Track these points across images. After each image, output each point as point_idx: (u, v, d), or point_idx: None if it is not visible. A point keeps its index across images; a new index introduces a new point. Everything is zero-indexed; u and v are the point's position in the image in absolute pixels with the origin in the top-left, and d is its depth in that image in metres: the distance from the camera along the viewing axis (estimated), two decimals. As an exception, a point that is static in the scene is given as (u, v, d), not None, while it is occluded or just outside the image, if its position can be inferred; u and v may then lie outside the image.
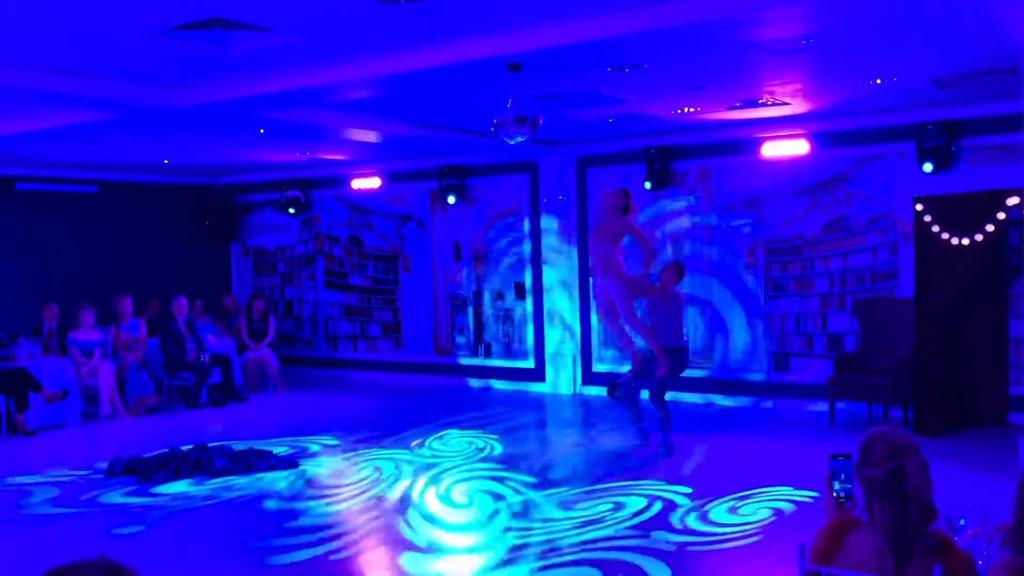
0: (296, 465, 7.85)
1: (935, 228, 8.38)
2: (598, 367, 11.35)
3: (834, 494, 2.78)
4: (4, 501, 6.94)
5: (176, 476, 7.47)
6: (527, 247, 11.83)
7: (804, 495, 6.49)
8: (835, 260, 9.79)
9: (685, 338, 8.34)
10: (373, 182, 13.00)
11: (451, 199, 12.14)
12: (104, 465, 7.76)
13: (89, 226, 12.77)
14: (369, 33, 5.72)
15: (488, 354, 12.19)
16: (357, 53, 6.25)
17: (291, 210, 13.60)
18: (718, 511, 6.29)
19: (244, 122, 8.66)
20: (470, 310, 12.33)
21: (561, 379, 11.58)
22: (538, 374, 11.79)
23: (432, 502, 6.76)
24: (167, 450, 7.89)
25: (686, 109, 8.83)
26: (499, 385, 12.00)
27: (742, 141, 10.12)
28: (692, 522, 6.02)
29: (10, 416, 9.30)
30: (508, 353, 12.03)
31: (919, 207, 8.46)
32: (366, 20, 5.41)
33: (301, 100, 7.54)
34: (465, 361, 12.38)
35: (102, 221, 12.89)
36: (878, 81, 7.57)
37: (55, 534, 6.19)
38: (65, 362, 10.15)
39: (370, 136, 9.77)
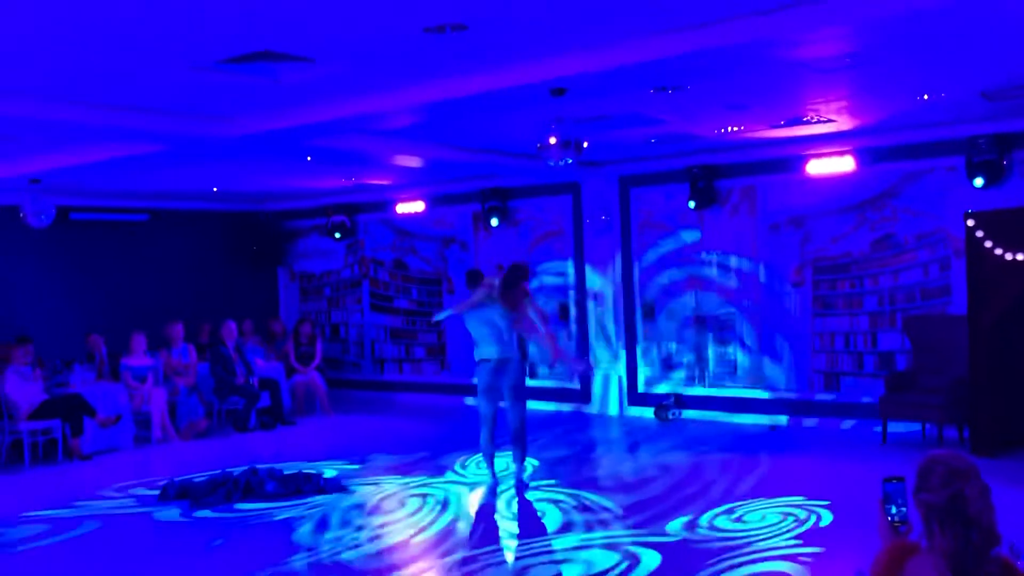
0: (345, 488, 7.91)
1: (988, 243, 8.23)
2: (644, 388, 11.29)
3: (888, 518, 2.74)
4: (64, 524, 7.08)
5: (228, 500, 7.57)
6: (570, 268, 11.84)
7: (856, 516, 6.39)
8: (885, 277, 9.65)
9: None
10: (417, 206, 13.11)
11: (494, 221, 12.19)
12: (158, 490, 7.89)
13: (140, 254, 13.03)
14: (414, 61, 5.79)
15: (533, 375, 12.18)
16: (402, 81, 6.32)
17: (337, 235, 13.76)
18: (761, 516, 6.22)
19: (291, 150, 8.80)
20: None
21: (607, 400, 11.53)
22: (584, 395, 11.75)
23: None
24: (219, 473, 7.99)
25: (730, 128, 8.80)
26: (545, 406, 11.95)
27: (787, 159, 10.04)
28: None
29: (66, 441, 9.50)
30: (553, 374, 12.00)
31: (971, 222, 8.32)
32: (411, 49, 5.48)
33: (347, 128, 7.64)
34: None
35: (153, 249, 13.15)
36: (925, 96, 7.49)
37: (116, 556, 6.29)
38: (118, 387, 10.35)
39: (414, 161, 9.87)
